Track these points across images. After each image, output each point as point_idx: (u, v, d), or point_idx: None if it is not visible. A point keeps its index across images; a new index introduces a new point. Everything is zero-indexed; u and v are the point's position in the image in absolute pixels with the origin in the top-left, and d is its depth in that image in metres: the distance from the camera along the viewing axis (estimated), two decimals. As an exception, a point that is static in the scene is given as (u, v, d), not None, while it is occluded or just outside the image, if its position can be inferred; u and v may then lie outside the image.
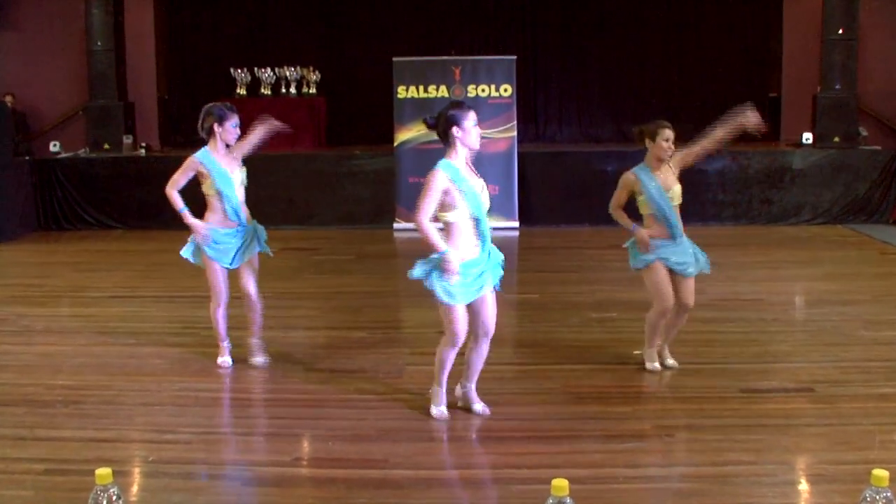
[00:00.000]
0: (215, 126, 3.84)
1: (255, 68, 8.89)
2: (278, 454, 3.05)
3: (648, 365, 3.88)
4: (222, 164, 3.87)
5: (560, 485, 1.55)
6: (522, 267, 6.73)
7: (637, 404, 3.54)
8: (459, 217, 3.12)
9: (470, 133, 3.11)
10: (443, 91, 7.92)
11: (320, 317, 5.11)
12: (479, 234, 3.18)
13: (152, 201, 8.09)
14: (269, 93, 8.94)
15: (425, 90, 7.93)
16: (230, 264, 3.88)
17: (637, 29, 9.28)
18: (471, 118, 3.12)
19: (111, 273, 6.31)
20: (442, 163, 3.14)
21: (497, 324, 4.86)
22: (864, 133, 8.26)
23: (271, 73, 8.91)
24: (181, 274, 6.27)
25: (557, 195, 8.09)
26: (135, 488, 2.79)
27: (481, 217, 3.15)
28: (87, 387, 3.75)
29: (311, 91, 8.98)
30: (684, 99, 9.38)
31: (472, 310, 3.23)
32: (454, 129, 3.11)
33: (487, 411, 3.36)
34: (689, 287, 3.79)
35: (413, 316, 5.33)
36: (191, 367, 4.03)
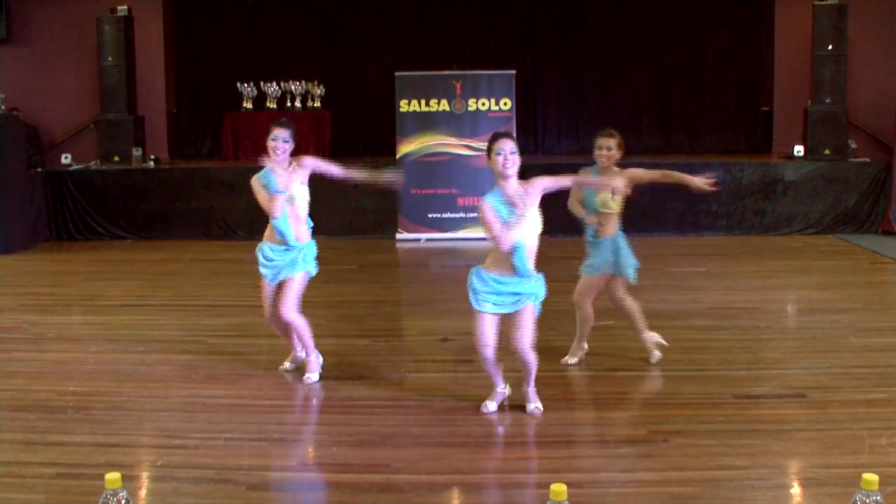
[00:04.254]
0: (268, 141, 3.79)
1: (261, 82, 9.00)
2: (284, 459, 3.11)
3: (652, 358, 4.07)
4: (278, 180, 3.78)
5: (558, 489, 1.58)
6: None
7: (633, 410, 3.60)
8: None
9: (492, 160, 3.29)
10: (444, 105, 8.02)
11: (325, 325, 5.16)
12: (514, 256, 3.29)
13: (161, 212, 8.23)
14: (275, 106, 9.05)
15: (427, 104, 8.03)
16: (272, 280, 3.85)
17: (634, 45, 9.37)
18: (495, 147, 3.28)
19: (121, 282, 6.36)
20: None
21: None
22: (854, 146, 8.34)
23: (277, 88, 9.02)
24: (189, 283, 6.40)
25: (556, 206, 8.17)
26: (143, 492, 2.84)
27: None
28: (97, 393, 3.81)
29: (315, 105, 9.09)
30: (680, 112, 9.47)
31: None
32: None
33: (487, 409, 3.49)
34: (613, 288, 4.05)
35: (415, 325, 5.41)
36: (199, 373, 4.10)
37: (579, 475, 2.92)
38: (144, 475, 2.99)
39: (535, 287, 3.35)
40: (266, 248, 3.84)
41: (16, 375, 4.11)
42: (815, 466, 2.98)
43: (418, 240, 7.97)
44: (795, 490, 2.87)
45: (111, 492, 1.69)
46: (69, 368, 4.19)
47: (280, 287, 3.85)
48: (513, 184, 3.31)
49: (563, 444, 3.26)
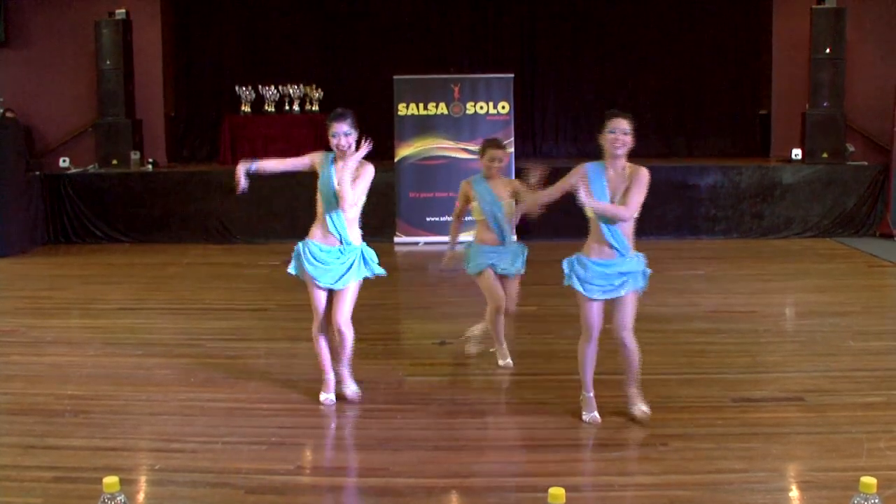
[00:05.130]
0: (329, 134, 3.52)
1: (260, 86, 9.01)
2: (282, 462, 3.10)
3: (501, 362, 4.22)
4: (336, 169, 3.55)
5: (557, 493, 1.58)
6: (521, 280, 6.81)
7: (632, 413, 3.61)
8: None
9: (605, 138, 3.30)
10: (442, 108, 8.04)
11: (323, 328, 5.19)
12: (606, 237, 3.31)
13: (159, 215, 8.23)
14: (273, 110, 9.07)
15: (425, 107, 8.05)
16: (331, 283, 3.54)
17: (632, 47, 9.40)
18: (609, 124, 3.29)
19: (119, 285, 6.36)
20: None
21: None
22: (852, 149, 8.37)
23: (275, 91, 9.03)
24: (187, 286, 6.40)
25: (554, 209, 8.17)
26: (141, 496, 2.84)
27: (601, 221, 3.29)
28: (95, 396, 3.81)
29: (313, 108, 9.09)
30: (678, 115, 9.50)
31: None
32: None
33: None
34: (511, 291, 4.16)
35: (413, 328, 5.41)
36: (197, 377, 4.09)
37: (578, 478, 2.93)
38: (142, 479, 2.99)
39: (638, 265, 3.34)
40: (314, 247, 3.55)
41: (14, 379, 4.11)
42: (814, 470, 2.98)
43: (416, 243, 7.97)
44: (794, 493, 2.87)
45: (109, 496, 1.69)
46: (67, 372, 4.19)
47: (333, 294, 3.58)
48: (620, 164, 3.32)
49: (561, 448, 3.25)
